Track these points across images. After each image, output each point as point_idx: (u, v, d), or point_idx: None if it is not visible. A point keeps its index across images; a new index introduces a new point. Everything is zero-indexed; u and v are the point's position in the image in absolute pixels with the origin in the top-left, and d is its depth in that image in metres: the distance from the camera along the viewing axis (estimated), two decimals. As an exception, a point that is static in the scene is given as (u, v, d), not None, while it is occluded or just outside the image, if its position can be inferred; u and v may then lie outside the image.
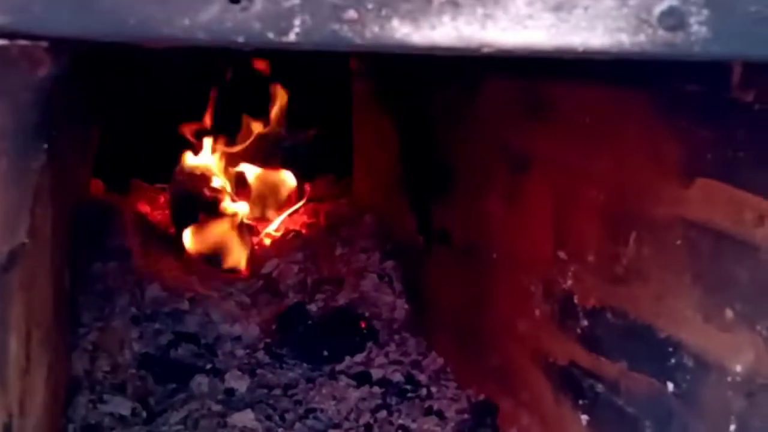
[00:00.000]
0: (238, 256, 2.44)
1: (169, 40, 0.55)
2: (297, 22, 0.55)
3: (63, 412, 1.58)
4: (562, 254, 1.43)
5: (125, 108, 2.64)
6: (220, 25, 0.55)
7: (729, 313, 1.03)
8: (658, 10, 0.63)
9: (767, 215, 0.96)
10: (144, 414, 1.68)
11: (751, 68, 0.96)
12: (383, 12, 0.57)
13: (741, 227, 1.00)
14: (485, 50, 0.60)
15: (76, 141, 1.98)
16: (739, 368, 1.02)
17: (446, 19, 0.59)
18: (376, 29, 0.57)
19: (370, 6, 0.57)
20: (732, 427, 1.03)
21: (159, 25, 0.54)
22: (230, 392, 1.81)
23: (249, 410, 1.71)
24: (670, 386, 1.14)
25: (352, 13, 0.56)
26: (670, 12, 0.63)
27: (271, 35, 0.55)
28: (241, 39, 0.55)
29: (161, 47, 0.58)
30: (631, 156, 1.22)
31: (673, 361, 1.14)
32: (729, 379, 1.03)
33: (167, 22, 0.54)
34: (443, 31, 0.59)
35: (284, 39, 0.56)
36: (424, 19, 0.58)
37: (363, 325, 2.06)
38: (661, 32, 0.63)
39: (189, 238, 2.41)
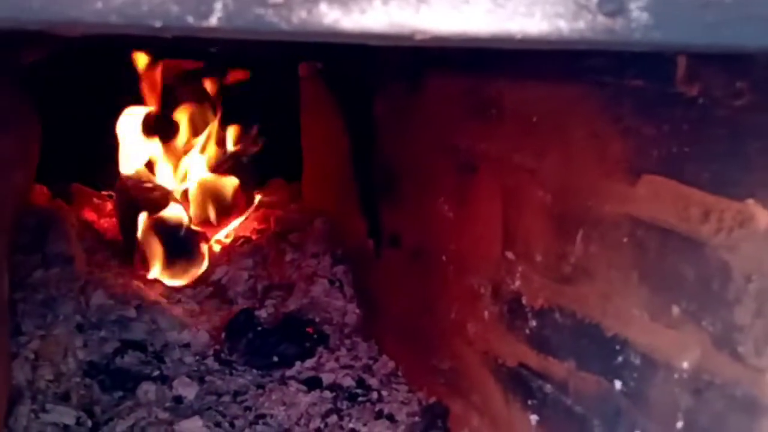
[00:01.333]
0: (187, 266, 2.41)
1: (78, 24, 0.52)
2: (218, 5, 0.53)
3: (4, 422, 1.55)
4: (510, 255, 1.42)
5: (68, 113, 2.60)
6: (135, 9, 0.52)
7: (675, 310, 1.02)
8: (597, -5, 0.61)
9: (712, 211, 0.95)
10: (89, 423, 1.65)
11: (696, 61, 0.95)
12: (311, -4, 0.55)
13: (687, 223, 0.99)
14: (419, 37, 0.58)
15: (12, 144, 1.93)
16: (686, 365, 1.01)
17: (377, 3, 0.56)
18: (303, 14, 0.55)
19: (296, -10, 0.55)
20: (679, 424, 1.02)
21: (66, 8, 0.51)
22: (178, 399, 1.78)
23: (197, 417, 1.69)
24: (618, 385, 1.13)
25: (277, -3, 0.54)
26: (610, -3, 0.61)
27: (190, 19, 0.53)
28: (158, 24, 0.52)
29: (74, 34, 0.55)
30: (578, 154, 1.21)
31: (620, 359, 1.13)
32: (676, 376, 1.02)
33: (76, 5, 0.51)
34: (374, 17, 0.57)
35: (205, 24, 0.53)
36: (354, 3, 0.56)
37: (311, 331, 2.04)
38: (600, 18, 0.61)
39: (138, 248, 2.37)
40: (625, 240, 1.10)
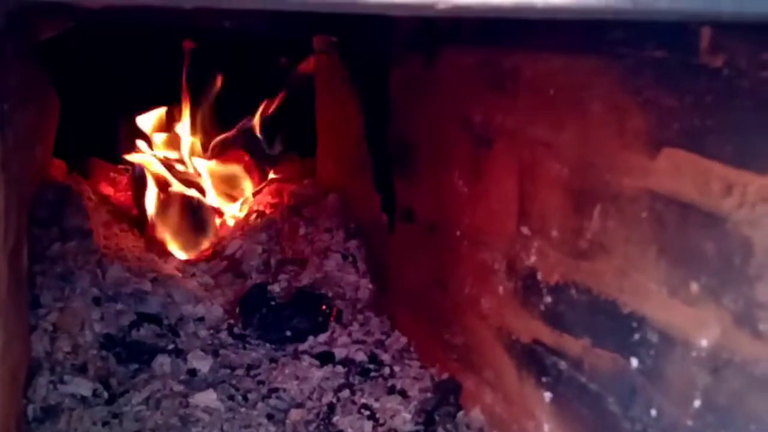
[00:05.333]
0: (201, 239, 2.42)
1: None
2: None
3: (23, 393, 1.56)
4: (525, 230, 1.41)
5: (85, 89, 2.61)
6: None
7: (694, 287, 1.01)
8: (621, -37, 0.60)
9: (735, 185, 0.94)
10: (105, 394, 1.66)
11: (720, 32, 0.94)
12: (333, -36, 0.54)
13: (708, 198, 0.98)
14: (440, 7, 0.57)
15: (32, 119, 1.94)
16: (704, 343, 1.00)
17: (400, -28, 0.56)
18: (326, -17, 0.54)
19: (320, -42, 0.54)
20: (696, 403, 1.02)
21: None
22: (193, 372, 1.79)
23: (211, 390, 1.69)
24: (634, 362, 1.13)
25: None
26: (634, -34, 0.60)
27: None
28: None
29: (95, 6, 0.54)
30: (596, 127, 1.20)
31: (636, 336, 1.12)
32: (694, 354, 1.02)
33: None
34: (397, -14, 0.56)
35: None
36: (376, -28, 0.55)
37: (324, 308, 2.03)
38: (625, -13, 0.60)
39: (151, 221, 2.37)
40: (643, 215, 1.10)
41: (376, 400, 1.70)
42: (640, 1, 0.59)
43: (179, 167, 2.56)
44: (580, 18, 0.62)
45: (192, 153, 2.67)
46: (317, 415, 1.66)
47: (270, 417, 1.65)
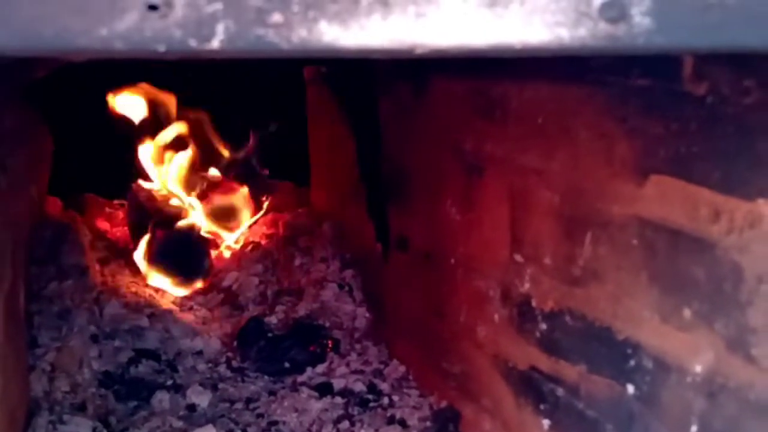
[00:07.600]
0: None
1: (86, 51, 0.52)
2: (220, 28, 0.53)
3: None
4: (518, 257, 1.41)
5: (80, 124, 2.61)
6: (140, 34, 0.52)
7: (687, 313, 1.01)
8: (598, 1, 0.61)
9: (723, 211, 0.94)
10: (105, 433, 1.65)
11: (702, 60, 0.95)
12: (310, 14, 0.55)
13: (696, 224, 0.98)
14: (419, 51, 0.58)
15: (26, 160, 1.94)
16: (699, 369, 1.00)
17: (376, 19, 0.56)
18: (303, 33, 0.55)
19: (295, 9, 0.54)
20: (693, 429, 1.01)
21: (76, 36, 0.51)
22: (192, 408, 1.79)
23: (210, 426, 1.69)
24: (630, 388, 1.13)
25: (277, 17, 0.54)
26: (611, 3, 0.61)
27: (193, 43, 0.53)
28: (161, 48, 0.52)
29: (81, 60, 0.55)
30: (585, 155, 1.20)
31: (632, 363, 1.12)
32: (689, 379, 1.02)
33: (84, 33, 0.51)
34: (374, 33, 0.56)
35: (207, 46, 0.53)
36: (353, 20, 0.56)
37: (321, 339, 2.03)
38: (602, 25, 0.61)
39: (145, 255, 2.37)
40: (634, 241, 1.10)
41: (376, 430, 1.70)
42: (618, 40, 0.60)
43: (174, 200, 2.55)
44: (558, 56, 0.63)
45: (187, 185, 2.67)
46: (317, 447, 1.66)
47: (270, 451, 1.65)
